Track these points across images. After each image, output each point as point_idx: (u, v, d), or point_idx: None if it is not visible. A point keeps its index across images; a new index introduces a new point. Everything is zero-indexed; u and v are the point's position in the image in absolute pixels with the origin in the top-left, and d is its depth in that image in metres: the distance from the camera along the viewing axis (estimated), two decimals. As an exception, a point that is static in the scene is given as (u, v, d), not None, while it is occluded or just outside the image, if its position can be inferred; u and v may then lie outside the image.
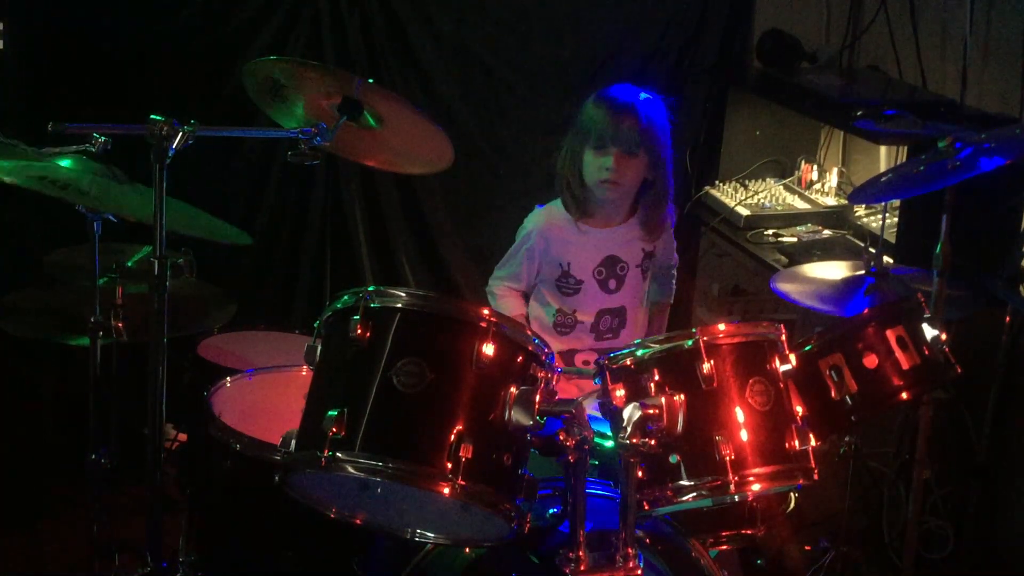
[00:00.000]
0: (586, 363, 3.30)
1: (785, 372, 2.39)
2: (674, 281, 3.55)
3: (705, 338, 2.32)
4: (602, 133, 3.16)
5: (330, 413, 2.15)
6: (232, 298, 3.43)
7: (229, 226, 3.00)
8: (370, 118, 2.88)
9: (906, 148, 3.79)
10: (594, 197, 3.24)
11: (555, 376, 2.31)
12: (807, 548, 3.47)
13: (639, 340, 2.40)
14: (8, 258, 3.92)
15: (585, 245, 3.29)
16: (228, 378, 3.00)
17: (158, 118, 2.38)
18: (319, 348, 2.29)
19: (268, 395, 2.98)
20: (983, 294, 3.28)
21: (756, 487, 2.31)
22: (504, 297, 3.38)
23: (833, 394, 2.67)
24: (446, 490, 2.14)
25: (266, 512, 2.71)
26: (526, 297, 3.41)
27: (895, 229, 3.70)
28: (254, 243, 4.19)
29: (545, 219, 3.32)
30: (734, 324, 2.40)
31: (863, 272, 3.21)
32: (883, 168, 4.23)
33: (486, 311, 2.23)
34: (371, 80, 2.82)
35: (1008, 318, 3.49)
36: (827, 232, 4.13)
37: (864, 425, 3.25)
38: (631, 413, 2.20)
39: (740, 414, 2.31)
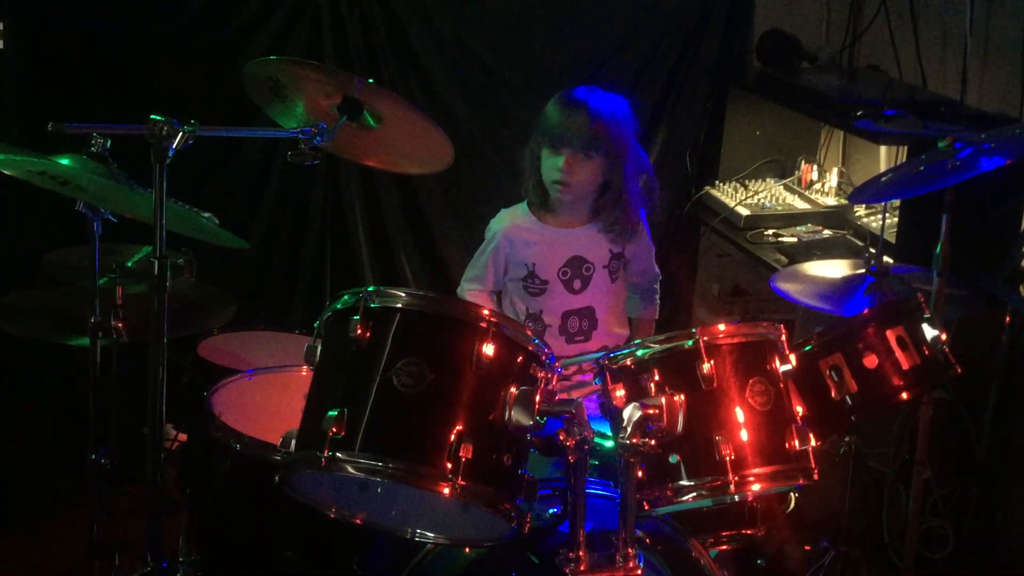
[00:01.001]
0: (564, 368, 3.30)
1: (785, 372, 2.40)
2: (657, 296, 3.50)
3: (705, 338, 2.33)
4: (554, 132, 3.14)
5: (330, 413, 2.16)
6: (232, 298, 3.42)
7: (226, 233, 2.99)
8: (370, 118, 2.88)
9: (906, 148, 3.79)
10: (552, 200, 3.24)
11: (555, 376, 2.32)
12: (807, 548, 3.47)
13: (639, 340, 2.40)
14: (8, 258, 3.92)
15: (549, 245, 3.26)
16: (228, 378, 3.00)
17: (158, 118, 2.38)
18: (319, 348, 2.30)
19: (268, 395, 2.98)
20: (983, 294, 3.28)
21: (756, 487, 2.31)
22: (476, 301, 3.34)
23: (833, 394, 2.67)
24: (446, 490, 2.14)
25: (266, 512, 2.71)
26: (495, 296, 3.39)
27: (895, 229, 3.70)
28: (255, 243, 4.22)
29: (509, 220, 3.30)
30: (734, 324, 2.40)
31: (863, 272, 3.21)
32: (883, 168, 4.22)
33: (486, 311, 2.24)
34: (371, 80, 2.82)
35: (1008, 318, 3.48)
36: (827, 232, 4.13)
37: (864, 425, 3.25)
38: (631, 413, 2.20)
39: (740, 414, 2.31)
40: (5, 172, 2.61)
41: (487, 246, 3.32)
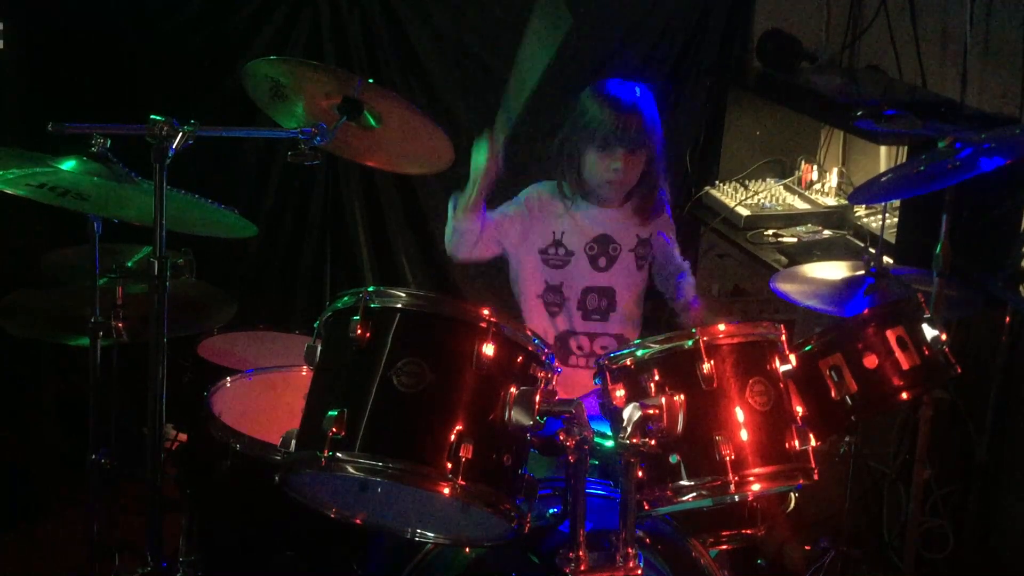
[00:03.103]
0: (580, 348, 3.30)
1: (785, 372, 2.39)
2: (689, 274, 3.46)
3: (705, 338, 2.33)
4: (608, 134, 3.16)
5: (330, 413, 2.15)
6: (232, 298, 3.42)
7: (234, 215, 2.98)
8: (370, 118, 2.88)
9: (906, 148, 3.79)
10: (593, 193, 3.26)
11: (555, 376, 2.32)
12: (807, 548, 3.47)
13: (639, 340, 2.40)
14: (8, 258, 3.92)
15: (580, 219, 3.29)
16: (228, 378, 3.00)
17: (158, 118, 2.37)
18: (319, 348, 2.30)
19: (268, 395, 2.98)
20: (983, 294, 3.28)
21: (756, 487, 2.31)
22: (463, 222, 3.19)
23: (833, 394, 2.67)
24: (446, 490, 2.14)
25: (266, 512, 2.71)
26: (480, 229, 3.22)
27: (895, 229, 3.70)
28: (255, 243, 4.22)
29: (541, 192, 3.32)
30: (734, 324, 2.40)
31: (863, 272, 3.21)
32: (883, 168, 4.23)
33: (486, 311, 2.23)
34: (371, 80, 2.82)
35: (1008, 318, 3.49)
36: (827, 232, 4.13)
37: (864, 425, 3.25)
38: (631, 413, 2.20)
39: (740, 414, 2.31)
40: (7, 191, 2.59)
41: (510, 204, 3.31)
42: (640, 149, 3.20)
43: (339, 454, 2.14)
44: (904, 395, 2.74)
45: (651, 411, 2.19)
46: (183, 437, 3.44)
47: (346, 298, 2.28)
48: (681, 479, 2.31)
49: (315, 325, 2.33)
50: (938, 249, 2.95)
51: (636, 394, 2.30)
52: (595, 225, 3.30)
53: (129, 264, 3.12)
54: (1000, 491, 3.63)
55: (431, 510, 2.35)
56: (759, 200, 4.28)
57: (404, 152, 3.10)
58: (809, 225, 4.17)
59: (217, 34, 4.13)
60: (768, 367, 2.38)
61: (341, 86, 2.83)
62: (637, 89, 3.23)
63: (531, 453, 2.30)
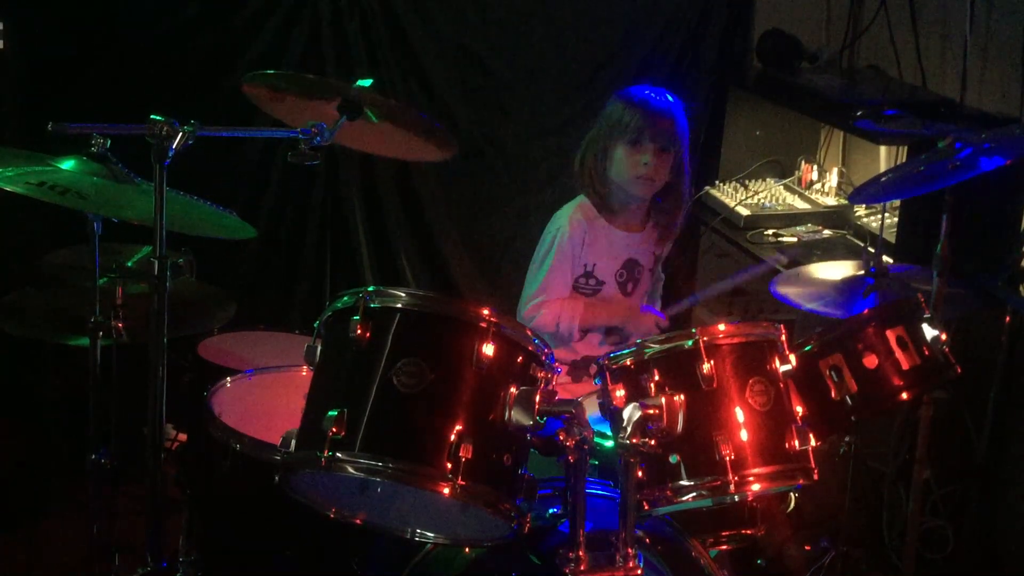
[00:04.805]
0: None
1: (785, 372, 2.39)
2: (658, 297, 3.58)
3: (705, 338, 2.33)
4: (639, 130, 3.19)
5: (330, 413, 2.15)
6: (232, 298, 3.42)
7: (233, 218, 2.98)
8: (371, 115, 2.88)
9: (906, 148, 3.79)
10: (619, 195, 3.26)
11: (555, 376, 2.32)
12: (807, 548, 3.47)
13: (639, 340, 2.40)
14: (8, 258, 3.92)
15: (611, 246, 3.32)
16: (228, 378, 3.00)
17: (158, 118, 2.37)
18: (319, 348, 2.30)
19: (268, 395, 2.98)
20: (983, 294, 3.28)
21: (756, 487, 2.31)
22: (547, 313, 3.26)
23: (833, 394, 2.67)
24: (446, 490, 2.14)
25: (266, 512, 2.71)
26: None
27: (895, 229, 3.70)
28: (255, 243, 4.21)
29: (580, 212, 3.31)
30: (734, 324, 2.40)
31: (863, 272, 3.21)
32: (883, 168, 4.23)
33: (486, 311, 2.23)
34: (370, 81, 2.82)
35: (1008, 318, 3.49)
36: (827, 232, 4.13)
37: (864, 425, 3.25)
38: (631, 413, 2.20)
39: (740, 414, 2.31)
40: (6, 188, 2.60)
41: (552, 245, 3.28)
42: (669, 149, 3.23)
43: (339, 454, 2.14)
44: (904, 395, 2.74)
45: (651, 411, 2.19)
46: (183, 437, 3.44)
47: (346, 298, 2.28)
48: (681, 479, 2.31)
49: (315, 325, 2.33)
50: (938, 249, 2.95)
51: (636, 394, 2.30)
52: (624, 250, 3.33)
53: (129, 264, 3.12)
54: (1000, 491, 3.63)
55: (431, 510, 2.35)
56: (759, 200, 4.28)
57: (406, 142, 3.09)
58: (809, 225, 4.17)
59: (217, 34, 4.13)
60: (768, 367, 2.38)
61: (340, 91, 2.83)
62: (669, 96, 3.28)
63: (531, 453, 2.30)
